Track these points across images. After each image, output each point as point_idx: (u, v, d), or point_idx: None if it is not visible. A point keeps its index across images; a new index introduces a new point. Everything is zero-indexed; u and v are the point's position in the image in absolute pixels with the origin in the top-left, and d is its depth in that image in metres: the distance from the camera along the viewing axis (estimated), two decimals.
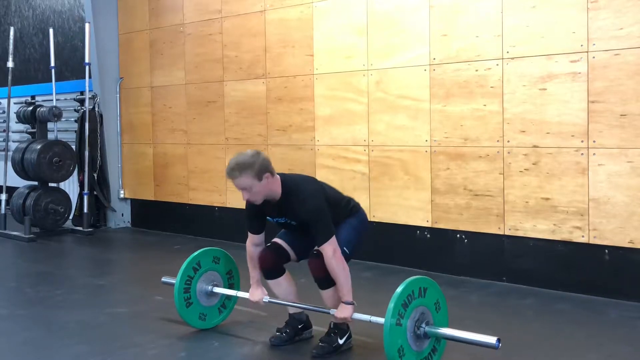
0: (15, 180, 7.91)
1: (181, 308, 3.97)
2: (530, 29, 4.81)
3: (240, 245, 6.59)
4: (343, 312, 3.37)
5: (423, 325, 3.20)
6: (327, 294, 3.51)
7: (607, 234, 4.53)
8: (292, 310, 3.78)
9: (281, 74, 6.30)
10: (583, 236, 4.63)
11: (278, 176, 3.47)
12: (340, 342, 3.57)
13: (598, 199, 4.55)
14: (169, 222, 7.56)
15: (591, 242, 4.60)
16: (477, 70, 5.06)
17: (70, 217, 7.84)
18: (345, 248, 3.47)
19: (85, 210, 7.57)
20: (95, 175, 7.81)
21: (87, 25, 7.65)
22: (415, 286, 3.23)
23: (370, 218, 5.66)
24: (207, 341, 3.83)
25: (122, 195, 7.98)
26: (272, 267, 3.68)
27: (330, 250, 3.33)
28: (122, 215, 8.05)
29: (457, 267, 5.26)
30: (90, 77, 7.71)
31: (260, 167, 3.34)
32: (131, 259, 6.78)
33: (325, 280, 3.46)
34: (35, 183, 7.66)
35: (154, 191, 7.67)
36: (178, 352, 3.66)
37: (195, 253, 4.12)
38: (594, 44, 4.53)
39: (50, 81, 8.02)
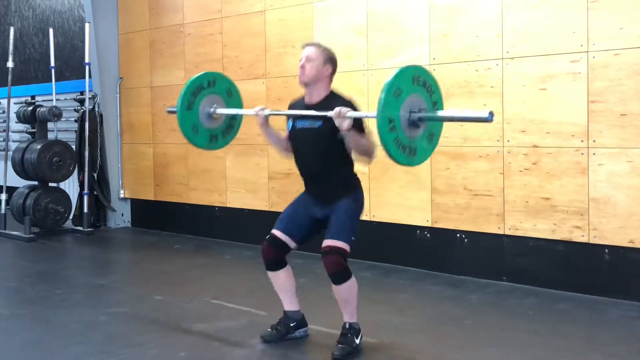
0: (15, 180, 7.91)
1: (182, 110, 3.94)
2: (530, 29, 4.81)
3: (240, 245, 6.64)
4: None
5: (417, 111, 3.18)
6: (341, 289, 3.51)
7: (607, 233, 4.53)
8: (287, 307, 3.80)
9: (281, 74, 6.29)
10: (583, 236, 4.63)
11: (331, 87, 3.67)
12: (357, 341, 3.57)
13: (598, 199, 4.55)
14: (169, 222, 7.56)
15: (591, 241, 4.60)
16: (477, 70, 5.06)
17: (70, 217, 7.84)
18: (352, 237, 3.53)
19: (85, 210, 7.57)
20: (95, 175, 7.81)
21: (87, 25, 7.65)
22: (410, 74, 3.19)
23: (371, 218, 5.67)
24: (207, 341, 3.83)
25: (122, 195, 7.98)
26: (272, 259, 3.72)
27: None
28: (122, 215, 8.04)
29: (457, 267, 5.26)
30: (90, 77, 7.70)
31: (331, 58, 3.67)
32: (131, 259, 6.78)
33: (340, 275, 3.49)
34: (35, 183, 7.66)
35: (154, 191, 7.67)
36: (178, 352, 3.66)
37: (189, 83, 4.05)
38: (594, 44, 4.53)
39: (50, 81, 8.02)
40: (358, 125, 3.39)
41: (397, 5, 5.50)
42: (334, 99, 3.56)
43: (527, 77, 4.83)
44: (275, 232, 3.71)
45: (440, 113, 3.28)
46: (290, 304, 3.79)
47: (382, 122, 3.05)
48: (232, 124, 4.21)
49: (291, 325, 3.79)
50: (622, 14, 4.41)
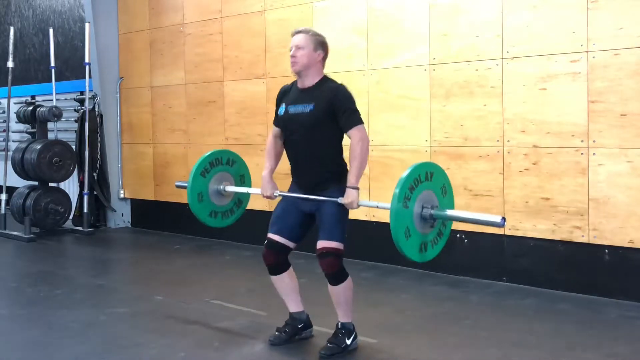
0: (15, 180, 7.91)
1: (196, 174, 4.09)
2: (530, 29, 4.81)
3: (240, 245, 6.64)
4: (349, 196, 3.42)
5: (429, 208, 3.27)
6: (337, 290, 3.54)
7: (607, 234, 4.53)
8: (292, 310, 3.79)
9: (281, 74, 6.29)
10: (583, 236, 4.63)
11: (323, 71, 3.65)
12: (348, 342, 3.56)
13: (598, 199, 4.55)
14: (169, 222, 7.56)
15: (591, 242, 4.60)
16: (477, 70, 5.06)
17: (70, 217, 7.84)
18: (344, 234, 3.56)
19: (85, 210, 7.57)
20: (95, 175, 7.81)
21: (87, 25, 7.65)
22: (422, 170, 3.29)
23: (370, 218, 5.66)
24: (207, 341, 3.83)
25: (122, 195, 7.98)
26: (274, 263, 3.71)
27: (358, 136, 3.44)
28: (122, 215, 8.04)
29: (457, 267, 5.26)
30: (90, 77, 7.71)
31: (321, 42, 3.62)
32: (131, 259, 6.78)
33: (336, 276, 3.52)
34: (35, 183, 7.66)
35: (154, 191, 7.67)
36: (178, 352, 3.66)
37: (213, 152, 4.26)
38: (594, 44, 4.53)
39: (50, 81, 8.02)
40: (354, 120, 3.47)
41: (397, 5, 5.50)
42: (326, 83, 3.60)
43: (527, 77, 4.83)
44: (271, 235, 3.70)
45: (451, 212, 3.35)
46: (295, 306, 3.79)
47: (395, 213, 3.14)
48: (233, 210, 4.31)
49: (299, 327, 3.78)
50: (622, 14, 4.41)
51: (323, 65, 3.66)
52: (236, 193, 4.26)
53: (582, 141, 4.60)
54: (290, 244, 3.69)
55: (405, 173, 3.23)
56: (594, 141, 4.55)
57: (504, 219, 3.15)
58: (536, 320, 4.17)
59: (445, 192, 3.42)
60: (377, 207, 3.51)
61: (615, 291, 4.51)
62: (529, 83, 4.82)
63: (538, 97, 4.78)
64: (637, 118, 4.38)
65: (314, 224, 3.68)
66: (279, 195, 3.77)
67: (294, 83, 3.71)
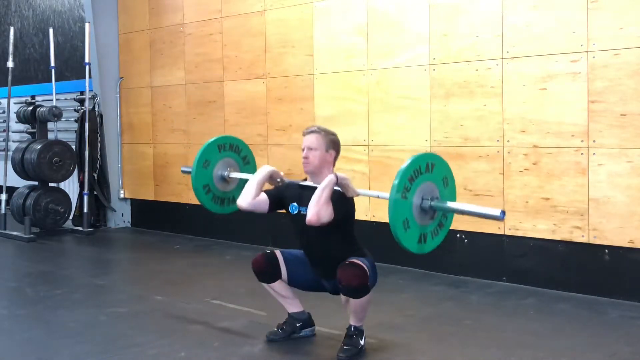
0: (15, 180, 7.91)
1: (197, 174, 4.11)
2: (530, 29, 4.81)
3: (240, 245, 6.64)
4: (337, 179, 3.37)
5: (429, 199, 3.25)
6: (360, 301, 3.42)
7: (607, 234, 4.53)
8: (291, 310, 3.79)
9: (281, 74, 6.30)
10: (583, 236, 4.63)
11: (333, 169, 3.59)
12: (362, 342, 3.55)
13: (598, 199, 4.55)
14: (169, 222, 7.56)
15: (591, 242, 4.60)
16: (477, 70, 5.06)
17: (70, 217, 7.84)
18: (374, 274, 3.52)
19: (85, 210, 7.57)
20: (95, 175, 7.81)
21: (87, 25, 7.65)
22: (422, 162, 3.27)
23: (370, 218, 5.66)
24: (207, 341, 3.83)
25: (122, 195, 7.98)
26: (264, 270, 3.69)
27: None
28: (122, 215, 8.04)
29: (457, 267, 5.26)
30: (90, 77, 7.70)
31: (333, 142, 3.58)
32: (131, 259, 6.78)
33: (358, 289, 3.39)
34: (35, 183, 7.66)
35: (154, 191, 7.67)
36: (178, 352, 3.66)
37: (220, 137, 4.34)
38: (594, 44, 4.53)
39: (50, 81, 8.02)
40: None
41: (397, 5, 5.50)
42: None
43: (527, 77, 4.83)
44: (279, 255, 3.70)
45: (451, 204, 3.30)
46: (292, 308, 3.79)
47: (394, 204, 3.11)
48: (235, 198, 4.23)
49: (297, 325, 3.78)
50: (622, 14, 4.41)
51: (334, 164, 3.62)
52: (241, 180, 4.19)
53: (582, 141, 4.60)
54: (285, 278, 3.69)
55: (405, 164, 3.20)
56: (594, 141, 4.55)
57: (503, 212, 3.13)
58: (536, 320, 4.17)
59: (447, 183, 3.37)
60: (378, 197, 3.45)
61: (615, 291, 4.51)
62: (529, 83, 4.82)
63: (538, 97, 4.78)
64: (637, 118, 4.38)
65: (320, 291, 3.71)
66: (282, 180, 3.66)
67: (301, 181, 3.64)
